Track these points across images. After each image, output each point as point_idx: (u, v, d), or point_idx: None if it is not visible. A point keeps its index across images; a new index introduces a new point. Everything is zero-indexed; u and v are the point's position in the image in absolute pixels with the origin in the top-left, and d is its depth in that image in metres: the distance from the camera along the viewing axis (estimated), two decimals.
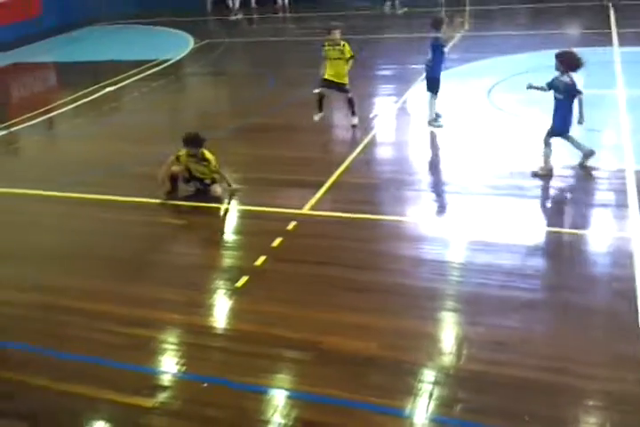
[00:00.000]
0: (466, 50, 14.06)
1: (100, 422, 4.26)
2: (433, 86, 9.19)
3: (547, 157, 7.47)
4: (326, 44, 9.23)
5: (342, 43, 9.19)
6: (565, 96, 7.26)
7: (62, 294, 5.77)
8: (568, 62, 7.17)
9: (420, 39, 16.03)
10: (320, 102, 9.48)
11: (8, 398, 4.50)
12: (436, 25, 8.95)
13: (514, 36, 15.45)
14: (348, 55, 9.20)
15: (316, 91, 9.48)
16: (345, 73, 9.30)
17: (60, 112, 11.86)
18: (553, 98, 7.41)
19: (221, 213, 7.31)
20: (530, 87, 7.54)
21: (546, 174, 7.40)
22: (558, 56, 7.26)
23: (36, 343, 5.08)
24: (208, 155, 7.37)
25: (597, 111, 9.71)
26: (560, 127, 7.40)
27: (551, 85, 7.37)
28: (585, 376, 4.29)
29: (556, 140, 7.52)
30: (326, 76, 9.33)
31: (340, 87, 9.38)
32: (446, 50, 9.29)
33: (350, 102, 9.46)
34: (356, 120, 9.51)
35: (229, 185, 7.51)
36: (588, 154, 7.47)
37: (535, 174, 7.44)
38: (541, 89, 7.45)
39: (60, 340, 5.10)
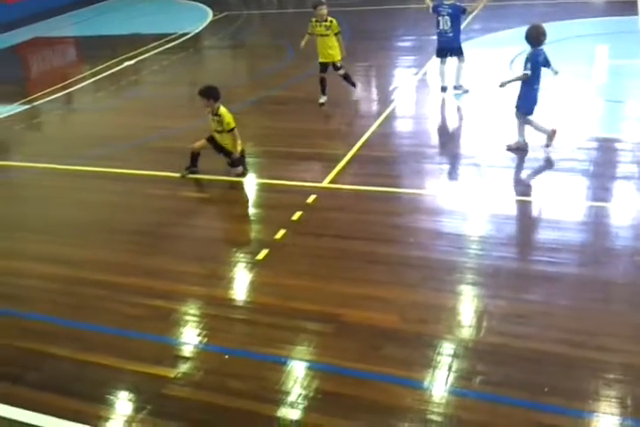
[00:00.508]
0: (488, 20, 13.80)
1: (123, 391, 4.33)
2: (460, 52, 9.21)
3: (526, 130, 7.38)
4: (313, 19, 9.17)
5: (329, 19, 9.08)
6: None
7: (84, 266, 5.85)
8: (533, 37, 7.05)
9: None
10: (322, 85, 9.40)
11: (33, 368, 4.60)
12: None
13: (537, 6, 15.12)
14: (336, 30, 9.08)
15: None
16: (334, 48, 9.18)
17: (81, 86, 11.89)
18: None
19: (242, 186, 7.33)
20: (503, 85, 7.19)
21: (518, 148, 7.40)
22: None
23: (58, 315, 5.18)
24: (222, 110, 7.26)
25: (621, 81, 9.54)
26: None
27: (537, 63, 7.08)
28: (606, 349, 4.28)
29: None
30: (320, 59, 9.30)
31: (333, 66, 9.32)
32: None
33: (346, 78, 9.53)
34: (323, 99, 9.46)
35: (234, 152, 7.35)
36: (551, 134, 7.31)
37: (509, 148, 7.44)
38: (518, 79, 7.17)
39: (82, 311, 5.20)
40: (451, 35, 9.01)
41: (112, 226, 6.61)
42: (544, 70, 7.16)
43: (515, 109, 7.32)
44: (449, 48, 9.16)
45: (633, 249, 5.41)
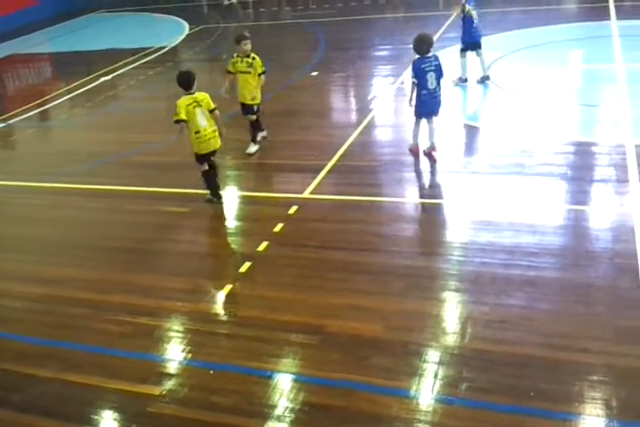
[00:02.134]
0: None
1: (108, 411, 4.29)
2: (479, 46, 9.82)
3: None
4: (235, 55, 8.12)
5: (252, 55, 8.05)
6: None
7: (66, 285, 5.80)
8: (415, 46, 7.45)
9: (415, 19, 15.94)
10: (252, 130, 8.41)
11: (16, 390, 4.54)
12: None
13: (512, 13, 15.32)
14: (260, 71, 8.07)
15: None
16: (253, 90, 8.12)
17: (57, 103, 11.84)
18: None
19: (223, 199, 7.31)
20: (409, 101, 7.55)
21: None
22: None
23: (40, 335, 5.12)
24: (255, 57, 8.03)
25: (596, 86, 9.67)
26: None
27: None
28: (589, 352, 4.31)
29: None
30: (239, 99, 8.27)
31: (245, 109, 8.29)
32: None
33: (253, 126, 8.39)
34: (253, 149, 8.32)
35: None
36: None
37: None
38: (412, 89, 7.50)
39: (64, 330, 5.15)
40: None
41: (93, 243, 6.57)
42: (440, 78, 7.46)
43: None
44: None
45: (612, 251, 5.46)
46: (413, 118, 7.76)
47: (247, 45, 8.05)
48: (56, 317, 5.35)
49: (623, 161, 7.00)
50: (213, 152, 6.96)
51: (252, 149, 8.34)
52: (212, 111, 6.82)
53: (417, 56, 7.40)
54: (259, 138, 8.47)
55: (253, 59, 8.03)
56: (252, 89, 8.11)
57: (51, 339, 5.05)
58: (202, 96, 6.81)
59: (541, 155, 7.39)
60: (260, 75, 8.09)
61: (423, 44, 7.33)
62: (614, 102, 8.75)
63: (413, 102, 7.47)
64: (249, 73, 8.05)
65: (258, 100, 8.22)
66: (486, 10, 15.80)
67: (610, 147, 7.45)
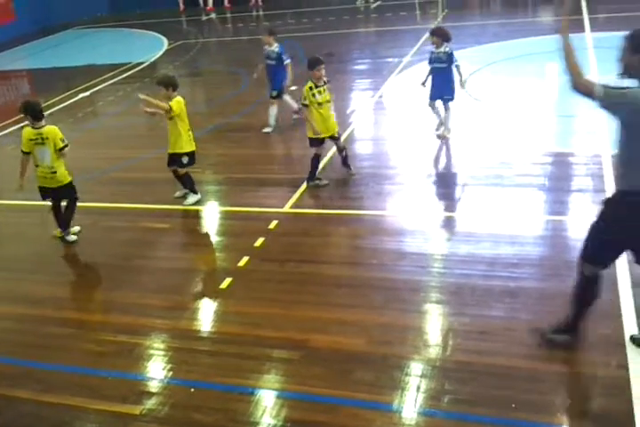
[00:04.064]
0: None
1: None
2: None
3: (445, 118, 8.57)
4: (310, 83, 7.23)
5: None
6: (448, 64, 8.27)
7: (44, 304, 5.72)
8: (443, 35, 8.30)
9: (393, 32, 16.09)
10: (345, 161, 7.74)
11: None
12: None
13: (489, 26, 15.51)
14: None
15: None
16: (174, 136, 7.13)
17: None
18: (432, 69, 8.39)
19: (202, 214, 7.28)
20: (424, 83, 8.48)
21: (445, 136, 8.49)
22: (432, 33, 8.41)
23: (18, 356, 5.04)
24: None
25: (572, 97, 9.77)
26: (443, 92, 8.41)
27: (431, 60, 8.38)
28: (569, 362, 4.33)
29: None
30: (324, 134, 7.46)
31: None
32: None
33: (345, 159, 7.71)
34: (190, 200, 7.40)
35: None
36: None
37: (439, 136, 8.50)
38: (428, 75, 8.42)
39: (42, 351, 5.07)
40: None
41: (71, 261, 6.51)
42: None
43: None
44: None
45: None
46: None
47: (322, 71, 7.25)
48: (34, 336, 5.28)
49: (600, 171, 7.08)
50: (56, 191, 6.66)
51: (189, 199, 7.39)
52: (60, 150, 6.44)
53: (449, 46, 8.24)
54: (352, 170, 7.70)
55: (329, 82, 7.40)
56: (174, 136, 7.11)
57: (28, 359, 4.97)
58: (50, 132, 6.40)
59: (520, 166, 7.45)
60: (171, 118, 7.08)
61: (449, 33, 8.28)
62: (590, 113, 8.84)
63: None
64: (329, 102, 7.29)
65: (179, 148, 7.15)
66: (465, 23, 16.03)
67: (586, 157, 7.54)
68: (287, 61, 9.24)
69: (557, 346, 4.44)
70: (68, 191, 6.72)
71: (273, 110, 9.48)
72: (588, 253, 4.23)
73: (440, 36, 8.32)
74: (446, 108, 8.55)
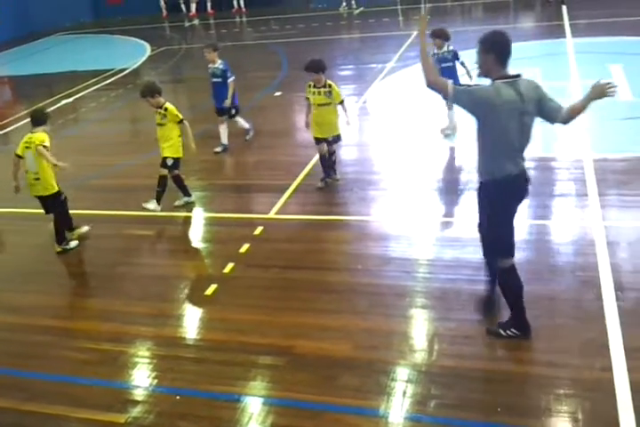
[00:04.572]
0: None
1: None
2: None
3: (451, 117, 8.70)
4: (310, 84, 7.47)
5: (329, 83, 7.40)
6: (454, 62, 8.52)
7: (25, 312, 5.67)
8: (443, 35, 8.53)
9: (376, 38, 16.16)
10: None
11: None
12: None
13: (470, 32, 15.60)
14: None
15: None
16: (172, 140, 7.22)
17: (17, 126, 11.66)
18: (441, 70, 8.33)
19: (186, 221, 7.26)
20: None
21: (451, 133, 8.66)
22: (433, 35, 8.53)
23: (1, 364, 4.98)
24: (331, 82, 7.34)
25: None
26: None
27: (437, 61, 8.45)
28: (554, 365, 4.34)
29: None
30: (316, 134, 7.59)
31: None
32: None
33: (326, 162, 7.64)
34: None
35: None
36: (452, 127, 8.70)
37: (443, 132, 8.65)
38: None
39: (26, 359, 5.02)
40: None
41: (55, 269, 6.45)
42: None
43: None
44: None
45: (574, 265, 5.55)
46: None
47: (320, 76, 7.33)
48: (17, 345, 5.22)
49: (582, 175, 7.14)
50: (43, 200, 6.64)
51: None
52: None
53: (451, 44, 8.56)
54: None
55: (330, 86, 7.33)
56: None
57: (10, 368, 4.91)
58: (36, 138, 6.47)
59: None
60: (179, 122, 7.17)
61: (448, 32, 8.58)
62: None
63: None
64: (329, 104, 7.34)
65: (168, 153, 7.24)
66: (448, 29, 16.12)
67: (569, 162, 7.61)
68: (231, 78, 8.82)
69: (514, 343, 4.53)
70: (53, 203, 6.65)
71: (223, 129, 9.10)
72: (503, 247, 4.45)
73: (440, 36, 8.52)
74: (450, 107, 8.76)
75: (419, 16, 4.18)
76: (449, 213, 6.67)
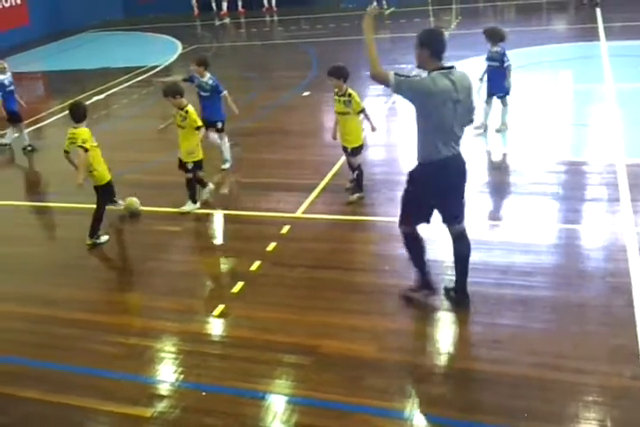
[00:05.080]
0: (456, 48, 14.03)
1: None
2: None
3: (502, 113, 8.80)
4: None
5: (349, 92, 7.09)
6: (500, 63, 8.51)
7: (56, 305, 5.74)
8: (490, 35, 8.58)
9: (407, 39, 16.07)
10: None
11: (3, 412, 4.47)
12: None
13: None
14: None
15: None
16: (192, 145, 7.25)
17: (50, 121, 11.83)
18: (487, 67, 8.67)
19: (214, 218, 7.30)
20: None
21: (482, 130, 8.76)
22: (484, 32, 8.66)
23: (29, 356, 5.05)
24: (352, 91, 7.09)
25: (586, 106, 9.77)
26: (494, 89, 8.72)
27: (487, 58, 8.66)
28: (582, 372, 4.30)
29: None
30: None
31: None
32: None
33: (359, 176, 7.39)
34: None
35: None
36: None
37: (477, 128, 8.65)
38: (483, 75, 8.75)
39: (54, 351, 5.09)
40: None
41: (85, 263, 6.53)
42: None
43: None
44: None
45: (604, 270, 5.48)
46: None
47: (333, 81, 7.06)
48: (45, 337, 5.29)
49: (614, 180, 7.05)
50: (96, 189, 6.88)
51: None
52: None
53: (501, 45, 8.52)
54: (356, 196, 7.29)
55: (349, 95, 7.06)
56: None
57: (40, 360, 4.98)
58: (79, 134, 6.66)
59: (533, 174, 7.43)
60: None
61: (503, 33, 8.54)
62: (605, 122, 8.82)
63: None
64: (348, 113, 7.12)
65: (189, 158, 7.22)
66: (478, 30, 15.99)
67: (601, 166, 7.50)
68: (224, 93, 8.31)
69: (543, 349, 4.51)
70: (102, 192, 6.88)
71: (225, 144, 8.58)
72: (403, 216, 5.08)
73: (487, 35, 8.59)
74: (503, 104, 8.79)
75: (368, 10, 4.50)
76: (476, 216, 6.61)
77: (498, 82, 8.64)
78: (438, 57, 4.61)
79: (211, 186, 7.61)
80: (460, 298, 5.15)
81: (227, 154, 8.55)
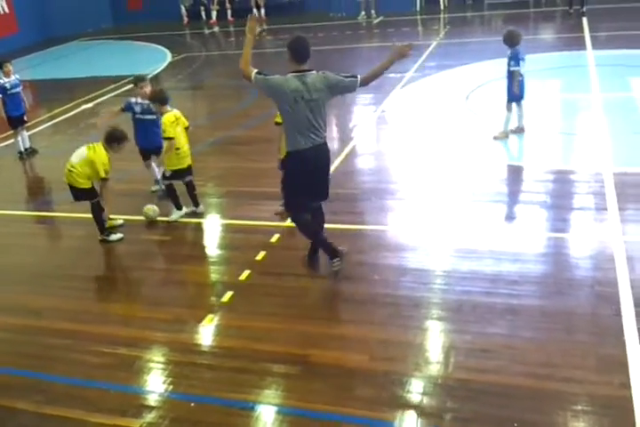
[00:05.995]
0: (444, 57, 14.18)
1: None
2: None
3: (518, 116, 8.83)
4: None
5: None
6: (515, 65, 8.55)
7: (43, 315, 5.71)
8: (505, 39, 8.63)
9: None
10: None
11: None
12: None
13: (490, 42, 15.58)
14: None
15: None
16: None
17: (38, 130, 11.79)
18: (507, 71, 8.68)
19: (203, 227, 7.28)
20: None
21: (504, 137, 8.75)
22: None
23: (18, 366, 5.01)
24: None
25: (573, 115, 9.85)
26: (507, 94, 8.76)
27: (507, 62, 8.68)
28: (571, 381, 4.31)
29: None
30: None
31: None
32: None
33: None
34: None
35: None
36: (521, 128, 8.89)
37: (495, 137, 8.76)
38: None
39: (43, 362, 5.05)
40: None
41: (72, 272, 6.49)
42: None
43: None
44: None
45: (593, 279, 5.51)
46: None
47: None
48: (33, 347, 5.26)
49: (601, 189, 7.10)
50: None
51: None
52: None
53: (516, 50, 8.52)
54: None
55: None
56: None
57: (27, 370, 4.94)
58: (98, 156, 7.00)
59: (521, 183, 7.47)
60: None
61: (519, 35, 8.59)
62: (592, 131, 8.89)
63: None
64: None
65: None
66: (466, 40, 16.15)
67: (588, 175, 7.55)
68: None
69: (531, 358, 4.47)
70: (86, 196, 7.06)
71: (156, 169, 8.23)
72: (288, 206, 5.84)
73: (504, 40, 8.62)
74: (519, 107, 8.86)
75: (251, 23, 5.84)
76: (466, 225, 6.64)
77: (507, 87, 8.77)
78: (297, 61, 5.34)
79: (184, 211, 7.38)
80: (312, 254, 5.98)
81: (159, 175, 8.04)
